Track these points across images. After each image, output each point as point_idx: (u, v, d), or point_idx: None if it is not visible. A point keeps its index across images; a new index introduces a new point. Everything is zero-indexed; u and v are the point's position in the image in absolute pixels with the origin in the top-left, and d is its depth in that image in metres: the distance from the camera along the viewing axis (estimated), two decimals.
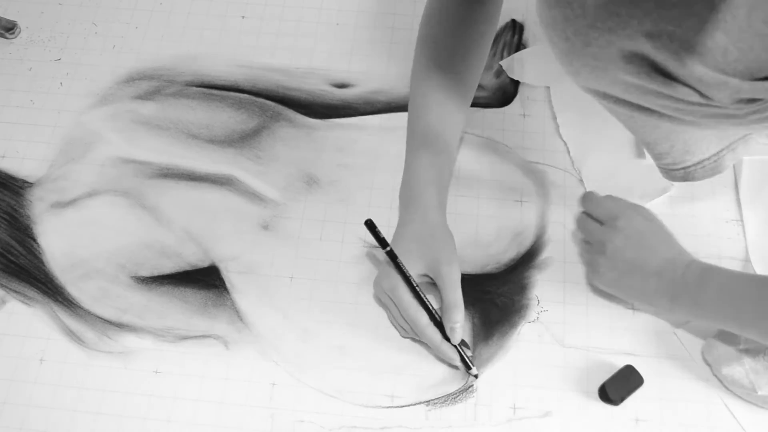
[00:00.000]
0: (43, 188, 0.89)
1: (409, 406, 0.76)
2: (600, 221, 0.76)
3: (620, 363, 0.76)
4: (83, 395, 0.77)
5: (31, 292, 0.82)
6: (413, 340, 0.78)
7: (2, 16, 1.00)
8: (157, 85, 0.95)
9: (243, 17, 1.01)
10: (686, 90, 0.53)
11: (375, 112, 0.93)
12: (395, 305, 0.75)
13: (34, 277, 0.83)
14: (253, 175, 0.88)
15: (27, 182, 0.89)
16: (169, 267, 0.83)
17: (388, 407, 0.76)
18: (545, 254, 0.83)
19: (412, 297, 0.74)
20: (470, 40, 0.79)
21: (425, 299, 0.74)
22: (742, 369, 0.71)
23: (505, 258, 0.83)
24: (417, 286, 0.74)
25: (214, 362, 0.78)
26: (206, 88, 0.95)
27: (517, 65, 0.94)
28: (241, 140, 0.91)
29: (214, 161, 0.89)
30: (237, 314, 0.80)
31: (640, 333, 0.78)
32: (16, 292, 0.82)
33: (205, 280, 0.82)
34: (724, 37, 0.49)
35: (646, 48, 0.52)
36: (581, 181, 0.86)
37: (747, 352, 0.71)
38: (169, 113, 0.93)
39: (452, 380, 0.76)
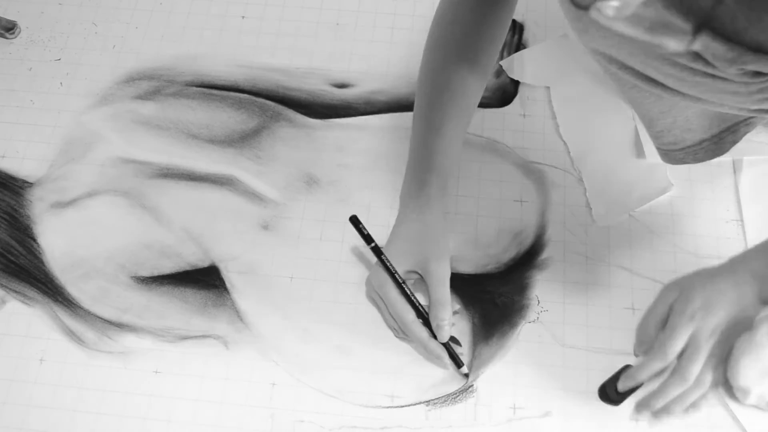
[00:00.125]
0: (43, 188, 0.89)
1: (409, 406, 0.76)
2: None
3: (620, 363, 0.76)
4: (83, 395, 0.77)
5: (31, 292, 0.82)
6: (403, 340, 0.78)
7: (2, 16, 1.00)
8: (157, 85, 0.95)
9: (243, 17, 1.01)
10: (691, 55, 0.52)
11: (375, 112, 0.93)
12: (384, 303, 0.75)
13: (34, 277, 0.83)
14: (253, 175, 0.88)
15: (27, 182, 0.89)
16: (169, 267, 0.83)
17: (388, 407, 0.76)
18: (545, 254, 0.83)
19: (398, 294, 0.74)
20: (484, 42, 0.79)
21: (411, 296, 0.74)
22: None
23: (505, 258, 0.83)
24: (403, 282, 0.74)
25: (214, 362, 0.78)
26: (206, 88, 0.95)
27: (517, 65, 0.94)
28: (241, 140, 0.91)
29: (214, 161, 0.89)
30: (237, 314, 0.80)
31: None
32: (16, 292, 0.82)
33: (205, 280, 0.82)
34: (733, 3, 0.48)
35: (657, 7, 0.51)
36: (581, 180, 0.87)
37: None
38: (169, 113, 0.93)
39: (452, 380, 0.76)
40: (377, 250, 0.76)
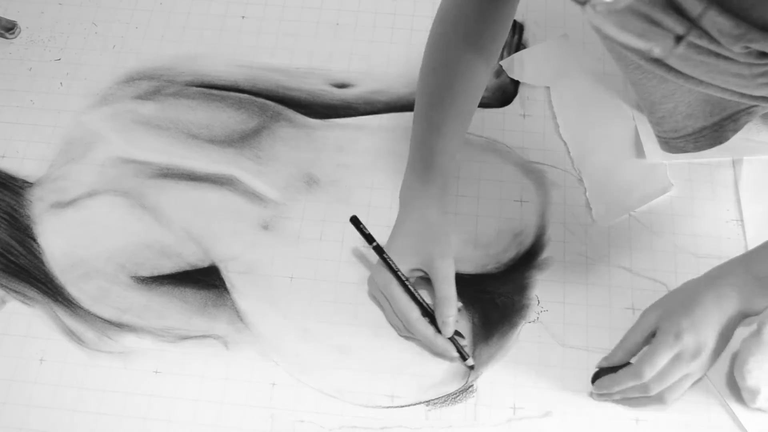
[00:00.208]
0: (43, 188, 0.89)
1: (409, 406, 0.76)
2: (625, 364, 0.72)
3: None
4: (83, 395, 0.77)
5: (31, 292, 0.82)
6: (407, 338, 0.78)
7: (2, 16, 1.00)
8: (157, 85, 0.95)
9: (243, 17, 1.01)
10: (697, 31, 0.52)
11: (375, 112, 0.93)
12: (388, 301, 0.75)
13: (34, 277, 0.83)
14: (253, 175, 0.88)
15: (27, 182, 0.89)
16: (169, 267, 0.83)
17: (388, 407, 0.76)
18: (545, 254, 0.83)
19: (403, 292, 0.75)
20: (484, 41, 0.79)
21: (416, 293, 0.74)
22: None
23: (505, 258, 0.83)
24: (407, 280, 0.74)
25: (214, 362, 0.78)
26: (206, 88, 0.95)
27: (517, 65, 0.94)
28: (241, 140, 0.91)
29: (214, 161, 0.89)
30: (237, 314, 0.80)
31: None
32: (16, 292, 0.82)
33: (205, 280, 0.82)
34: None
35: None
36: (581, 180, 0.86)
37: None
38: (169, 113, 0.93)
39: (452, 380, 0.76)
40: (379, 250, 0.76)
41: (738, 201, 0.84)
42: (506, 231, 0.84)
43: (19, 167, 0.90)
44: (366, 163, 0.89)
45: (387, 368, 0.77)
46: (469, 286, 0.80)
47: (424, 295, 0.76)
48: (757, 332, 0.71)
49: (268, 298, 0.81)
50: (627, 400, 0.73)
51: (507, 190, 0.87)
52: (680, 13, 0.51)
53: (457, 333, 0.75)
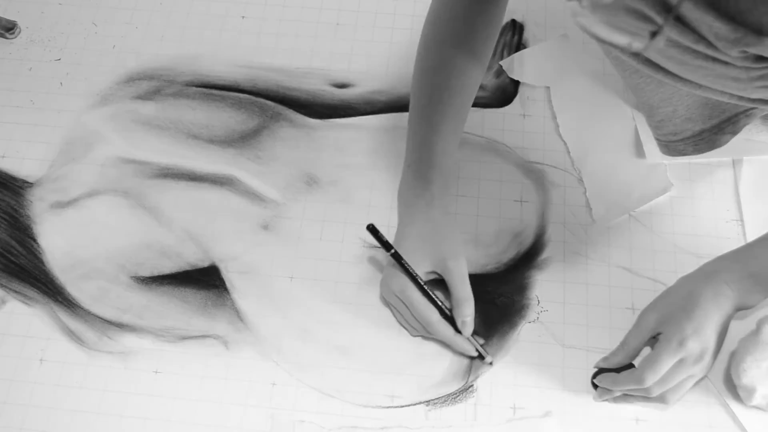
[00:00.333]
0: (43, 188, 0.89)
1: (409, 406, 0.76)
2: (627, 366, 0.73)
3: None
4: (83, 395, 0.77)
5: (31, 292, 0.82)
6: (424, 337, 0.78)
7: (2, 16, 1.00)
8: (157, 85, 0.95)
9: (243, 17, 1.01)
10: (694, 36, 0.52)
11: (375, 112, 0.93)
12: (405, 306, 0.75)
13: (34, 277, 0.83)
14: (253, 175, 0.88)
15: (27, 182, 0.89)
16: (169, 267, 0.83)
17: (388, 407, 0.76)
18: (545, 254, 0.83)
19: (421, 296, 0.74)
20: (477, 41, 0.79)
21: (434, 297, 0.75)
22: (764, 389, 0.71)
23: (505, 258, 0.83)
24: (425, 284, 0.74)
25: (214, 362, 0.78)
26: (206, 88, 0.95)
27: (517, 65, 0.94)
28: (241, 140, 0.91)
29: (214, 161, 0.89)
30: (237, 314, 0.80)
31: None
32: (16, 292, 0.82)
33: (205, 280, 0.82)
34: None
35: None
36: (581, 180, 0.86)
37: None
38: (169, 113, 0.93)
39: (452, 380, 0.76)
40: (397, 257, 0.75)
41: (738, 201, 0.84)
42: (506, 231, 0.84)
43: (19, 167, 0.90)
44: (366, 163, 0.89)
45: (387, 368, 0.77)
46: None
47: (438, 296, 0.76)
48: (756, 332, 0.71)
49: (268, 298, 0.81)
50: (628, 397, 0.73)
51: (507, 190, 0.87)
52: (661, 5, 0.51)
53: (474, 332, 0.76)
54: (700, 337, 0.67)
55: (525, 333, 0.79)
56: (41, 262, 0.84)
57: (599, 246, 0.83)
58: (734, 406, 0.73)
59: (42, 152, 0.91)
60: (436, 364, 0.77)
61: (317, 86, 0.95)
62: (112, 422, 0.76)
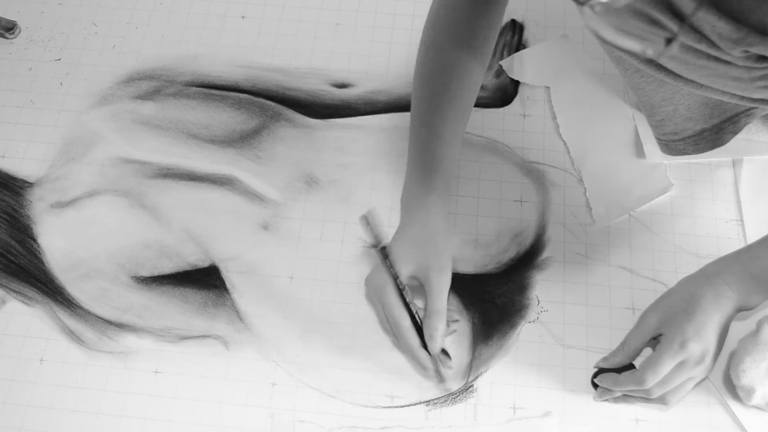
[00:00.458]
0: (43, 188, 0.89)
1: (409, 406, 0.76)
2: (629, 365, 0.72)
3: None
4: (83, 395, 0.77)
5: (31, 292, 0.82)
6: (396, 347, 0.77)
7: (2, 16, 1.00)
8: (157, 85, 0.95)
9: (243, 17, 1.01)
10: (695, 35, 0.52)
11: (375, 112, 0.93)
12: (381, 305, 0.74)
13: (34, 277, 0.83)
14: (253, 175, 0.88)
15: (27, 182, 0.89)
16: (169, 267, 0.83)
17: (388, 407, 0.76)
18: (545, 254, 0.83)
19: (397, 298, 0.73)
20: (477, 43, 0.79)
21: (409, 302, 0.73)
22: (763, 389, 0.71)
23: (505, 258, 0.83)
24: (404, 287, 0.73)
25: (214, 362, 0.78)
26: (206, 88, 0.95)
27: (517, 65, 0.94)
28: (241, 140, 0.91)
29: (214, 161, 0.89)
30: (237, 314, 0.80)
31: None
32: (16, 292, 0.82)
33: (205, 280, 0.82)
34: None
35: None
36: (581, 181, 0.87)
37: None
38: (169, 113, 0.93)
39: (452, 380, 0.76)
40: (384, 253, 0.74)
41: (738, 201, 0.84)
42: (506, 231, 0.84)
43: (19, 167, 0.90)
44: (366, 163, 0.89)
45: (387, 368, 0.77)
46: (469, 286, 0.80)
47: (419, 304, 0.75)
48: (756, 332, 0.71)
49: (268, 298, 0.81)
50: (628, 398, 0.73)
51: (507, 190, 0.87)
52: (674, 12, 0.51)
53: (444, 352, 0.73)
54: (702, 338, 0.67)
55: (525, 333, 0.79)
56: (41, 262, 0.84)
57: (599, 246, 0.83)
58: (734, 406, 0.73)
59: (42, 152, 0.91)
60: None
61: (317, 86, 0.95)
62: (111, 422, 0.76)
